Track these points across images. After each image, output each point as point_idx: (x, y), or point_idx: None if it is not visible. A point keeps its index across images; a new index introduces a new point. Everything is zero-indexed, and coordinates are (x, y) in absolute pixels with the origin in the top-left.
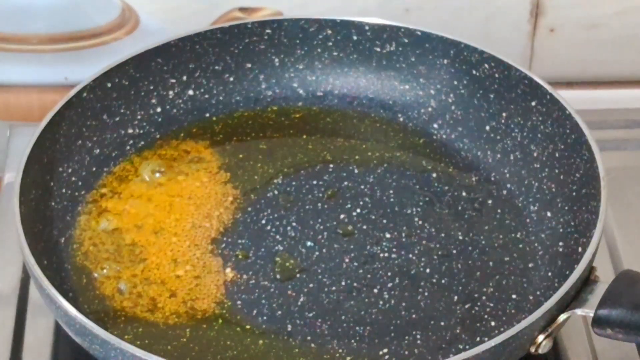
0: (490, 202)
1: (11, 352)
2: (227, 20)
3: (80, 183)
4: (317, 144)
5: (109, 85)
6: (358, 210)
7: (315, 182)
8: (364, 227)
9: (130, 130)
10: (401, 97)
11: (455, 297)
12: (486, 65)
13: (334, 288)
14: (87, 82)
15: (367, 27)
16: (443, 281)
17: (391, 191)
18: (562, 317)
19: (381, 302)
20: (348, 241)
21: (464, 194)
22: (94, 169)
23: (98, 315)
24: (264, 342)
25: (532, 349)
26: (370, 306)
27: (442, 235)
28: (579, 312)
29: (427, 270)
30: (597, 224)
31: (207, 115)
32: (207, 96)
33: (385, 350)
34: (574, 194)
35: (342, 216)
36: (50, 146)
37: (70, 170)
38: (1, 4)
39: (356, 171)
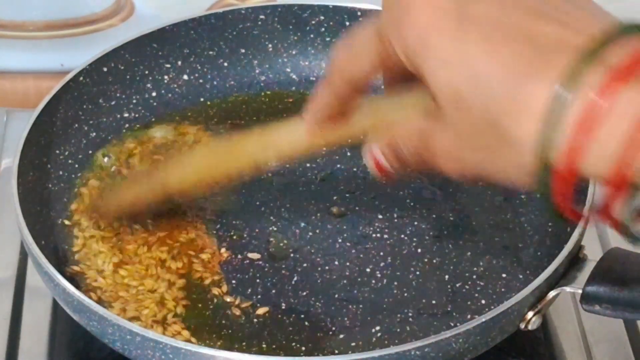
0: (480, 183)
1: (9, 334)
2: (221, 7)
3: (77, 165)
4: None
5: (105, 69)
6: (350, 192)
7: (308, 165)
8: (357, 208)
9: (126, 114)
10: None
11: (447, 276)
12: None
13: (327, 267)
14: (83, 66)
15: (359, 13)
16: (434, 261)
17: None
18: (552, 294)
19: (373, 281)
20: (341, 222)
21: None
22: (91, 152)
23: (95, 292)
24: (258, 321)
25: (522, 325)
26: (362, 285)
27: (434, 216)
28: (567, 289)
29: (419, 250)
30: (585, 203)
31: (202, 99)
32: (201, 81)
33: (378, 328)
34: None
35: (334, 198)
36: (47, 129)
37: (67, 153)
38: None
39: (348, 154)
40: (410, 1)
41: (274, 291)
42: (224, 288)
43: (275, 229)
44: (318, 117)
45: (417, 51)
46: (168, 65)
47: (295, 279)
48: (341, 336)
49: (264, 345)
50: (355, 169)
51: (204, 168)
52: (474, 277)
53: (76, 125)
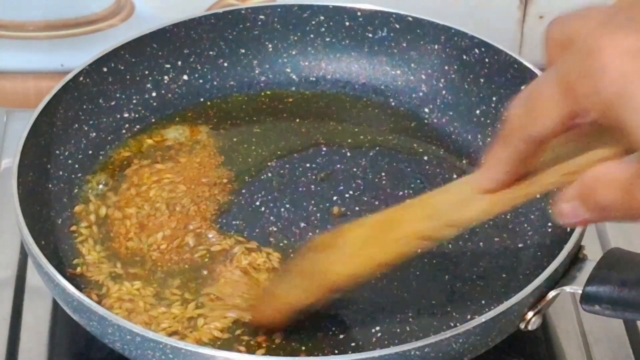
0: None
1: (9, 334)
2: (221, 7)
3: (77, 166)
4: (310, 128)
5: (105, 69)
6: (350, 192)
7: (308, 165)
8: (356, 208)
9: (126, 115)
10: (393, 82)
11: (447, 276)
12: (476, 50)
13: None
14: (83, 66)
15: (359, 13)
16: (434, 261)
17: (383, 173)
18: (552, 294)
19: (373, 281)
20: (340, 222)
21: (454, 176)
22: (91, 152)
23: (95, 293)
24: None
25: (522, 325)
26: (362, 285)
27: None
28: (567, 289)
29: (419, 250)
30: None
31: (202, 99)
32: (201, 81)
33: (378, 328)
34: None
35: (334, 198)
36: (47, 129)
37: (67, 153)
38: None
39: (348, 154)
40: (598, 48)
41: None
42: None
43: (275, 229)
44: (495, 181)
45: (618, 104)
46: (168, 65)
47: None
48: (341, 336)
49: (264, 345)
50: (355, 169)
51: (366, 253)
52: (474, 277)
53: (76, 125)
